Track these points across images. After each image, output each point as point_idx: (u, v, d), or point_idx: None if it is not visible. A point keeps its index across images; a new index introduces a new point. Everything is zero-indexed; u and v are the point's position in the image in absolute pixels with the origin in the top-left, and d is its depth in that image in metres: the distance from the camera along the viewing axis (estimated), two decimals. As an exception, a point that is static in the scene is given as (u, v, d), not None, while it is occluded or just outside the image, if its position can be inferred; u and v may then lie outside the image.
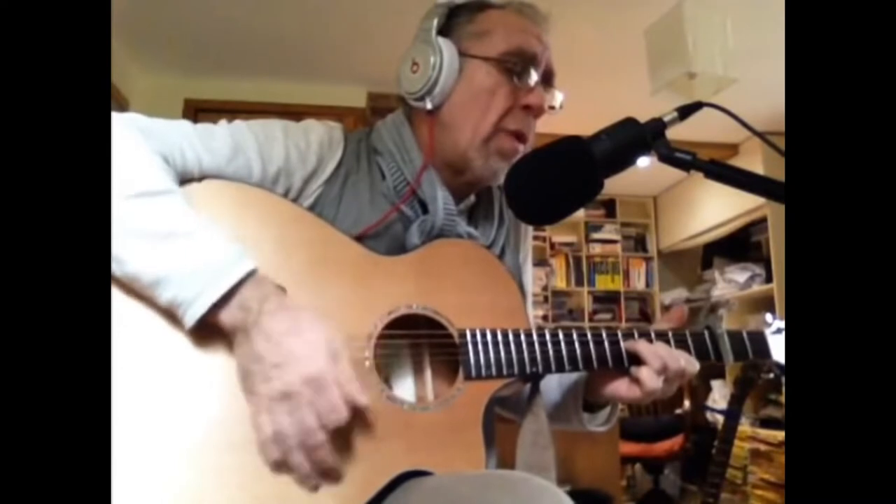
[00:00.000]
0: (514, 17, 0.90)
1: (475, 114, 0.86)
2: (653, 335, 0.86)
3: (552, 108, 0.92)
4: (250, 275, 0.69)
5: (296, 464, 0.66)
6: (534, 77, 0.88)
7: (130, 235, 0.67)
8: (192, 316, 0.66)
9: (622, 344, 0.84)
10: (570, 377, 0.93)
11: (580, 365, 0.83)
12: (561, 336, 0.83)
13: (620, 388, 0.85)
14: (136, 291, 0.69)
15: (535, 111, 0.88)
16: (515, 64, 0.87)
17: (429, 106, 0.86)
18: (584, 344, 0.83)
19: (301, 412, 0.65)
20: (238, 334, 0.68)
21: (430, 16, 0.89)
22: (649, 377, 0.81)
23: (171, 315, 0.69)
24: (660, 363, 0.81)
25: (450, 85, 0.86)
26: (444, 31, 0.88)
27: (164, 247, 0.67)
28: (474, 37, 0.88)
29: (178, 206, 0.70)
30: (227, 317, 0.68)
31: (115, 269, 0.67)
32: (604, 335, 0.84)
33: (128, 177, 0.68)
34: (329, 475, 0.68)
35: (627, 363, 0.84)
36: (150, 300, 0.68)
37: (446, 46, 0.86)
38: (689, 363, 0.83)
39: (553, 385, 0.95)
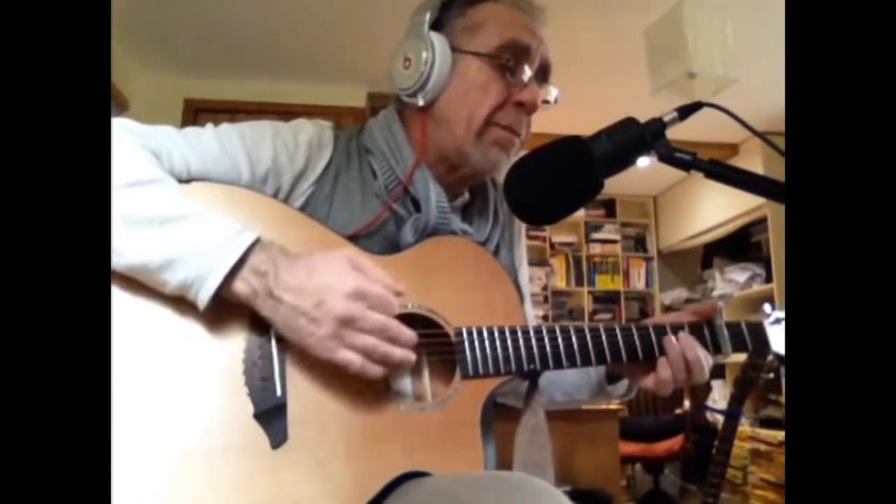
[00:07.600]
0: (508, 11, 0.89)
1: (467, 109, 0.86)
2: (650, 329, 0.86)
3: (546, 102, 0.91)
4: (256, 243, 0.70)
5: (399, 359, 0.69)
6: (527, 73, 0.87)
7: (127, 225, 0.67)
8: (207, 291, 0.67)
9: (653, 336, 0.86)
10: None
11: (578, 361, 0.82)
12: (558, 332, 0.83)
13: (636, 373, 0.89)
14: (134, 286, 0.68)
15: (527, 108, 0.87)
16: (508, 59, 0.86)
17: (421, 102, 0.86)
18: (581, 340, 0.83)
19: (367, 321, 0.68)
20: (260, 299, 0.68)
21: (422, 10, 0.88)
22: (665, 381, 0.84)
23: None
24: (683, 370, 0.83)
25: (442, 81, 0.85)
26: (436, 26, 0.87)
27: (166, 231, 0.67)
28: (466, 31, 0.88)
29: (172, 192, 0.71)
30: (242, 286, 0.68)
31: (115, 261, 0.67)
32: (601, 330, 0.84)
33: (118, 168, 0.68)
34: (413, 347, 0.71)
35: (641, 355, 0.85)
36: (155, 290, 0.68)
37: (438, 41, 0.85)
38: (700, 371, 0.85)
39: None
